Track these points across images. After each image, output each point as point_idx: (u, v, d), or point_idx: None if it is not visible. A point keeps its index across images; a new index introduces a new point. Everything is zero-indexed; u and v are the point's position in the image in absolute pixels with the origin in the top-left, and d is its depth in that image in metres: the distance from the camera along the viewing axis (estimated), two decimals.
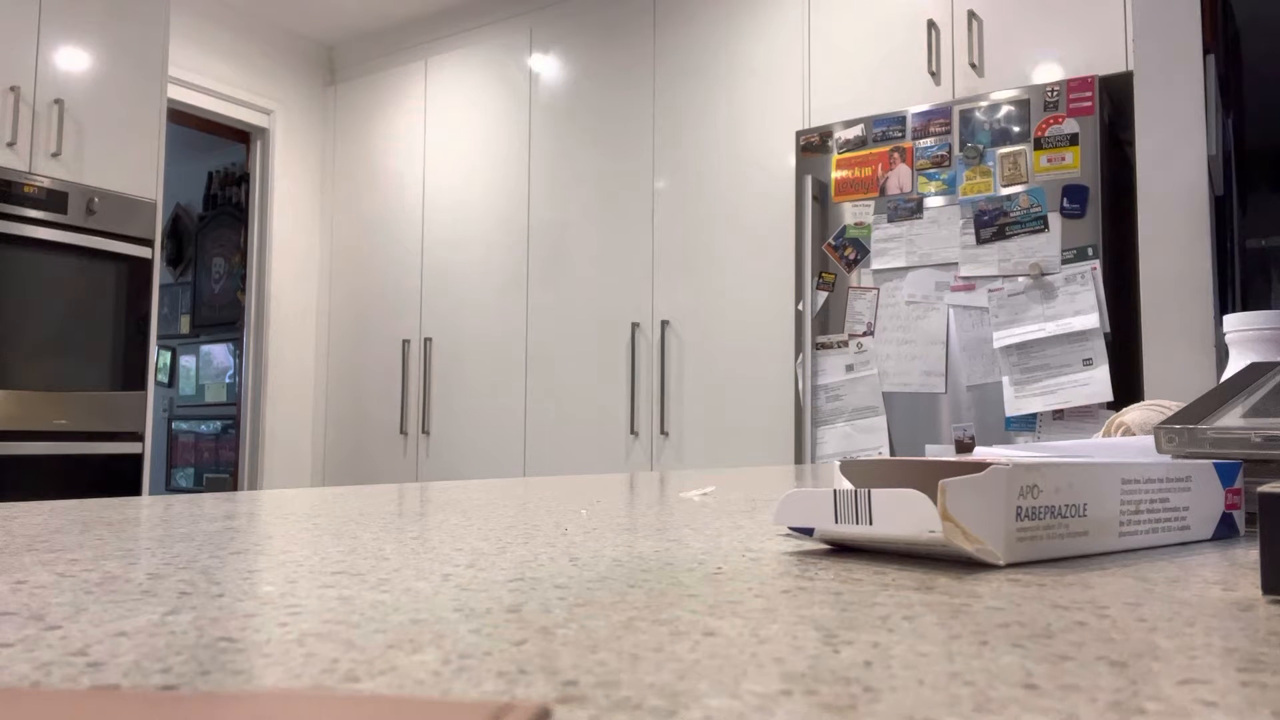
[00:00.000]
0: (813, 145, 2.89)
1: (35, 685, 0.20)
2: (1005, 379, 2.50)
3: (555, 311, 3.72)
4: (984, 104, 2.61)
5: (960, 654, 0.23)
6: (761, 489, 0.86)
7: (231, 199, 5.66)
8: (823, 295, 2.82)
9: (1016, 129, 2.55)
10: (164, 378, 5.82)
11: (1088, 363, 2.40)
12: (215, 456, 5.55)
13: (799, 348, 2.83)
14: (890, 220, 2.73)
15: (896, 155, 2.73)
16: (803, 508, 0.42)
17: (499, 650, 0.24)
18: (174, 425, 5.75)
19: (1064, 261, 2.46)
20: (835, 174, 2.84)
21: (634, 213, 3.55)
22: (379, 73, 4.45)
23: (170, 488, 5.69)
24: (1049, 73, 2.73)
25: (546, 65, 3.84)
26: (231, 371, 5.55)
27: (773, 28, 3.27)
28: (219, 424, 5.55)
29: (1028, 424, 2.46)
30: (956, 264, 2.61)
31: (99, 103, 3.22)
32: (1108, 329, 2.39)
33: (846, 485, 0.45)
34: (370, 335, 4.33)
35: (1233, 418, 0.53)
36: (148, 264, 3.31)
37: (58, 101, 3.10)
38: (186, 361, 5.78)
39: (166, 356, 5.82)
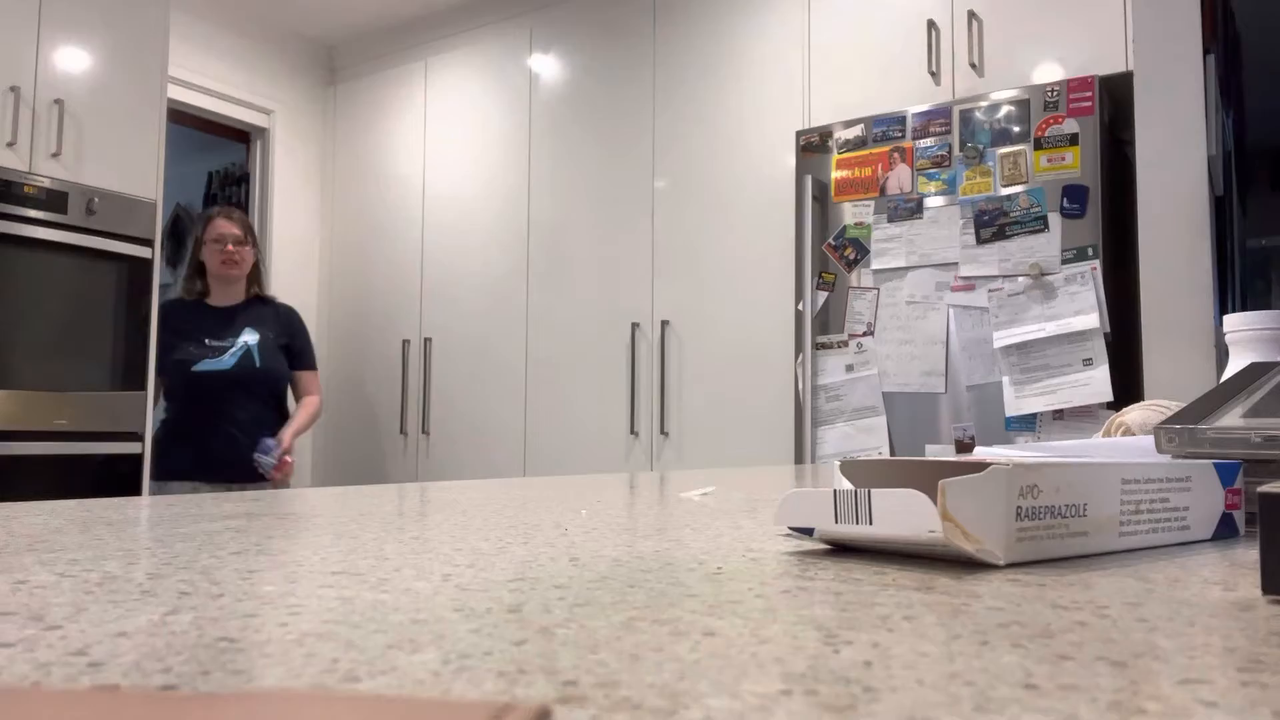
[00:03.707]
0: (813, 145, 2.89)
1: (35, 685, 0.20)
2: (1005, 379, 2.50)
3: (555, 311, 3.72)
4: (984, 104, 2.61)
5: (960, 654, 0.23)
6: (761, 489, 0.86)
7: (231, 199, 5.66)
8: (823, 295, 2.82)
9: (1016, 129, 2.55)
10: None
11: (1088, 363, 2.39)
12: None
13: (799, 348, 2.83)
14: (890, 220, 2.73)
15: (896, 155, 2.73)
16: (803, 508, 0.42)
17: (499, 650, 0.24)
18: None
19: (1064, 261, 2.46)
20: (835, 174, 2.84)
21: (634, 213, 3.55)
22: (379, 73, 4.45)
23: None
24: (1049, 73, 2.73)
25: (546, 65, 3.84)
26: None
27: (773, 28, 3.27)
28: None
29: (1028, 424, 2.46)
30: (956, 264, 2.61)
31: (99, 103, 3.22)
32: (1108, 329, 2.39)
33: (846, 485, 0.45)
34: (370, 335, 4.33)
35: (1233, 418, 0.53)
36: (148, 264, 3.30)
37: (58, 101, 3.10)
38: None
39: None
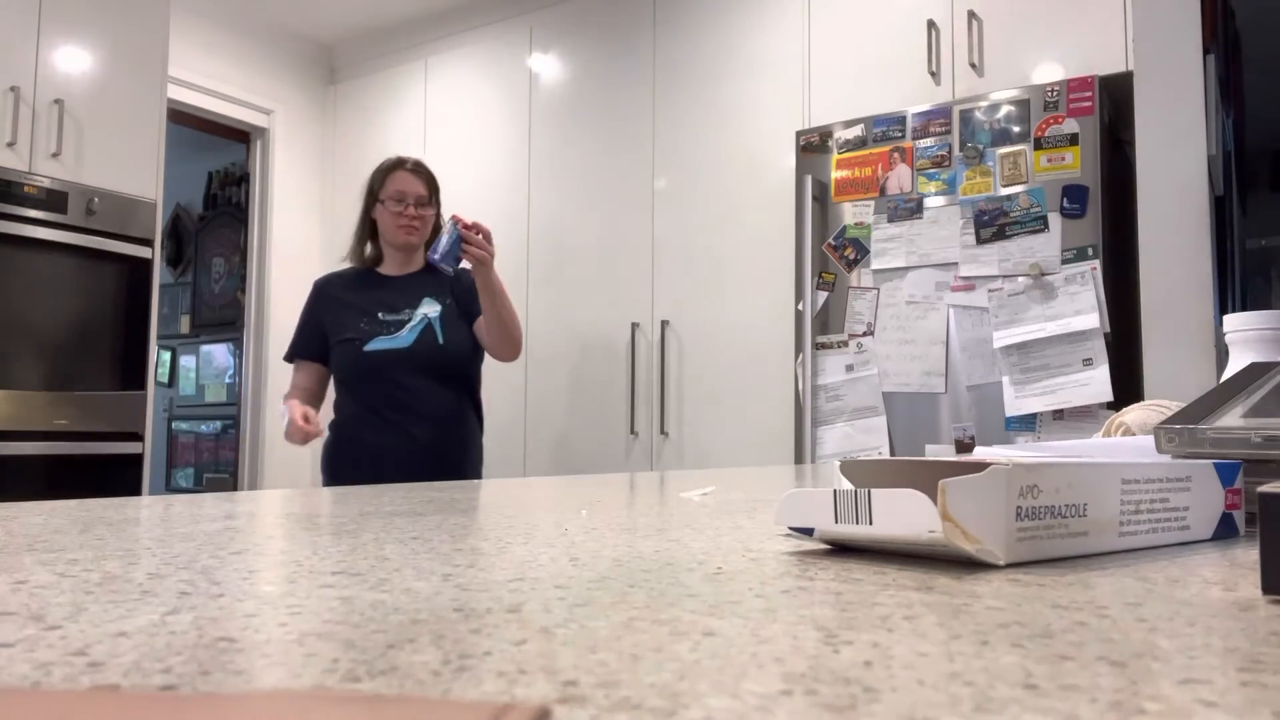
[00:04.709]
0: (813, 145, 2.89)
1: (35, 685, 0.20)
2: (1005, 379, 2.50)
3: (555, 311, 3.72)
4: (984, 104, 2.61)
5: (960, 654, 0.23)
6: (761, 489, 0.86)
7: (231, 199, 5.66)
8: (823, 295, 2.82)
9: (1016, 129, 2.55)
10: (164, 378, 5.82)
11: (1088, 363, 2.39)
12: (215, 456, 5.55)
13: (799, 348, 2.83)
14: (890, 220, 2.73)
15: (896, 155, 2.73)
16: (803, 508, 0.42)
17: (499, 650, 0.24)
18: (174, 425, 5.75)
19: (1064, 261, 2.46)
20: (835, 174, 2.84)
21: (634, 212, 3.55)
22: (379, 72, 4.45)
23: (170, 488, 5.69)
24: (1049, 73, 2.73)
25: (546, 65, 3.84)
26: (231, 371, 5.55)
27: (773, 28, 3.27)
28: (219, 424, 5.54)
29: (1028, 424, 2.46)
30: (956, 264, 2.61)
31: (99, 103, 3.22)
32: (1108, 329, 2.39)
33: (846, 485, 0.45)
34: None
35: (1233, 418, 0.53)
36: (148, 264, 3.31)
37: (58, 101, 3.10)
38: (186, 361, 5.78)
39: (166, 356, 5.82)
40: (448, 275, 2.14)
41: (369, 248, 2.30)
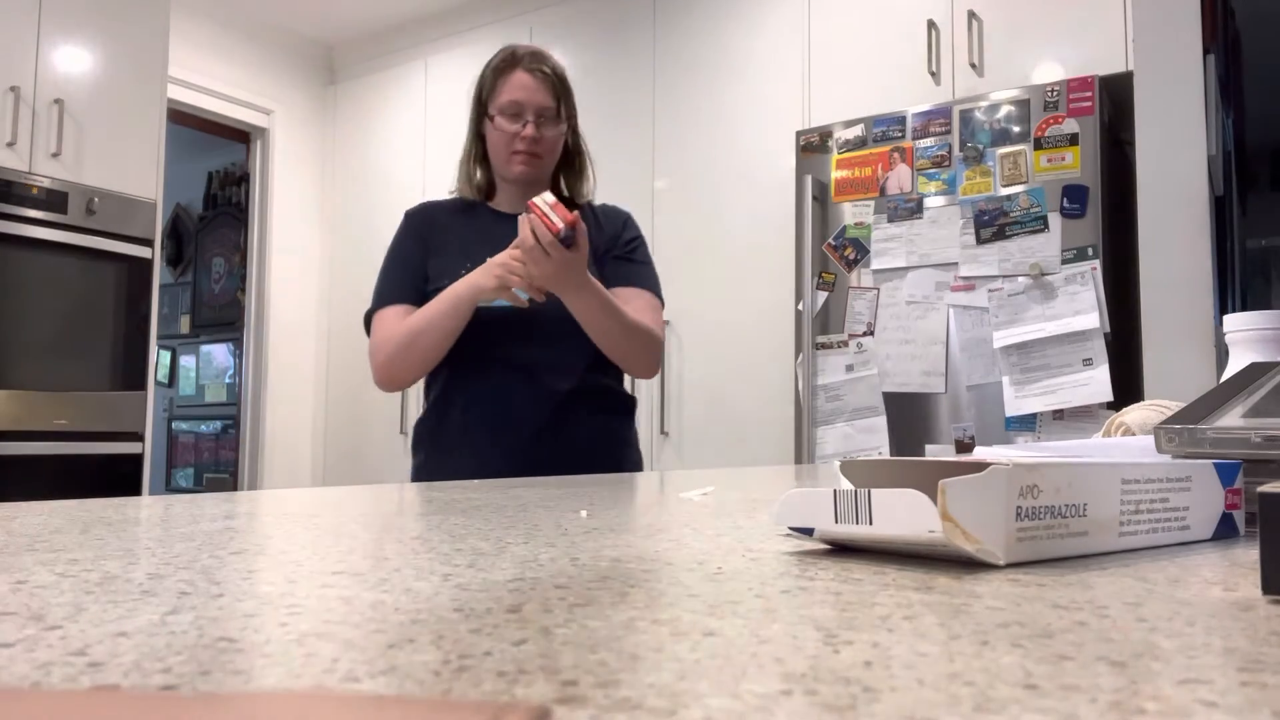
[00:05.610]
0: (813, 145, 2.89)
1: (35, 685, 0.20)
2: (1005, 379, 2.50)
3: None
4: (984, 104, 2.61)
5: (960, 654, 0.23)
6: (761, 489, 0.86)
7: (231, 199, 5.66)
8: (823, 295, 2.82)
9: (1016, 129, 2.55)
10: (164, 378, 5.82)
11: (1088, 363, 2.39)
12: (215, 456, 5.55)
13: (799, 348, 2.83)
14: (890, 220, 2.73)
15: (896, 155, 2.73)
16: (803, 508, 0.42)
17: (499, 650, 0.24)
18: (174, 425, 5.75)
19: (1064, 261, 2.46)
20: (835, 174, 2.84)
21: (634, 212, 3.55)
22: (379, 73, 4.45)
23: (170, 488, 5.69)
24: (1049, 73, 2.73)
25: None
26: (231, 371, 5.54)
27: (773, 27, 3.27)
28: (219, 424, 5.54)
29: (1028, 424, 2.46)
30: (956, 264, 2.61)
31: (99, 103, 3.22)
32: (1108, 329, 2.39)
33: (846, 485, 0.45)
34: None
35: (1233, 418, 0.53)
36: (148, 264, 3.31)
37: (58, 101, 3.10)
38: (186, 361, 5.78)
39: (166, 356, 5.82)
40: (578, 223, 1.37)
41: (479, 173, 1.62)
